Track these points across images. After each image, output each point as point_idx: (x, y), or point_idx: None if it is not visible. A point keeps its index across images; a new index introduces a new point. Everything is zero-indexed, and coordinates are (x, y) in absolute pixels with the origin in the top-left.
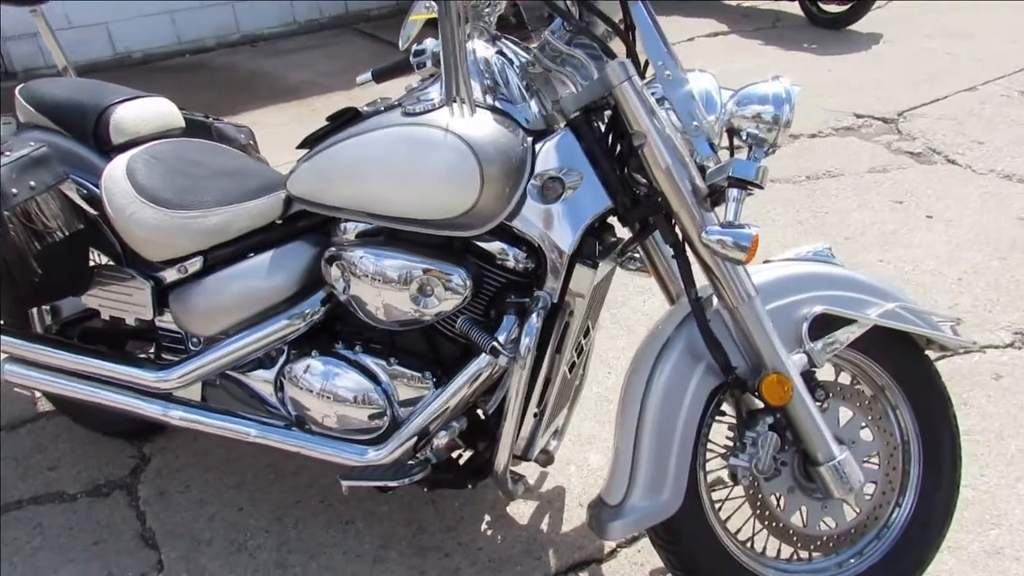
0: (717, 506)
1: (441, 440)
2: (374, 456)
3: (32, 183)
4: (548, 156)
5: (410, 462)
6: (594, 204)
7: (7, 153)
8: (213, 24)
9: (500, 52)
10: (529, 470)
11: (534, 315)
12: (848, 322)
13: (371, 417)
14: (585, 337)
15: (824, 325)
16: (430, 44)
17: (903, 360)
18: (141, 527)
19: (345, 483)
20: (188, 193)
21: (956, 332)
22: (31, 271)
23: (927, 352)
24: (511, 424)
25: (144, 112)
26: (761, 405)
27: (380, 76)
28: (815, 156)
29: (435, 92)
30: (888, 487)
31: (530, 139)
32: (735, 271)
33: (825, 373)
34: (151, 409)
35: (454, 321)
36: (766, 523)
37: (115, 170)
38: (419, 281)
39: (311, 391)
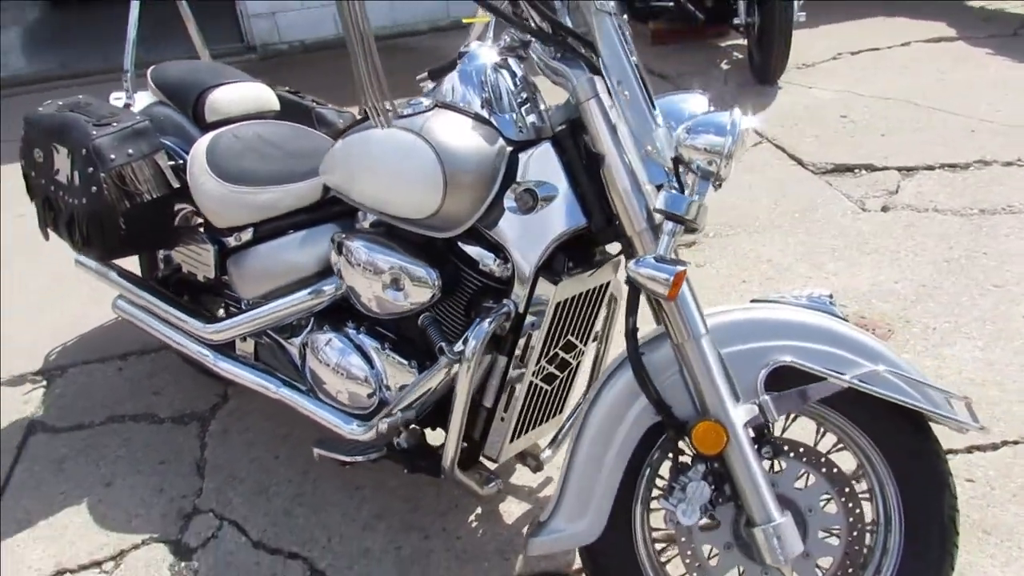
0: (659, 546)
1: (410, 427)
2: (356, 430)
3: (130, 151)
4: (527, 167)
5: (368, 442)
6: (567, 220)
7: (114, 124)
8: (426, 9)
9: (504, 62)
10: (529, 476)
11: (487, 321)
12: (818, 378)
13: (363, 395)
14: (571, 351)
15: (795, 378)
16: (473, 45)
17: (893, 431)
18: (199, 457)
19: (316, 450)
20: (250, 171)
21: (957, 409)
22: (117, 226)
23: (931, 428)
24: (456, 422)
25: (237, 95)
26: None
27: (435, 75)
28: (1002, 188)
29: (429, 97)
30: (856, 565)
31: (509, 149)
32: (683, 306)
33: (807, 432)
34: (204, 356)
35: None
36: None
37: (199, 145)
38: (391, 275)
39: (320, 361)
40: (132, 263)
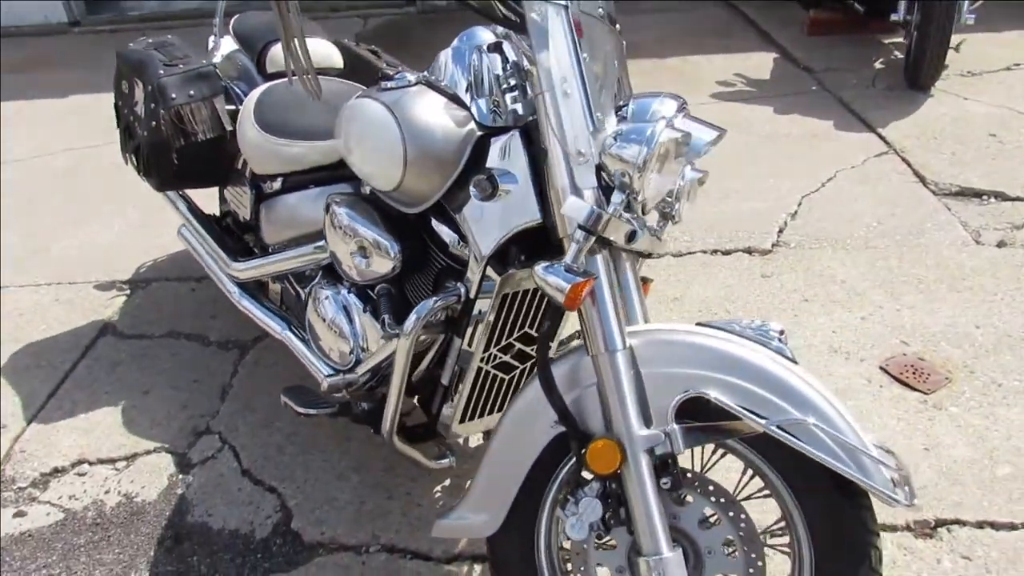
0: (565, 555)
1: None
2: (333, 382)
3: (191, 92)
4: (493, 154)
5: (324, 398)
6: (522, 213)
7: (181, 66)
8: None
9: (498, 45)
10: None
11: (434, 300)
12: (734, 417)
13: (343, 351)
14: (530, 345)
15: (713, 412)
16: None
17: (817, 490)
18: (227, 382)
19: (282, 396)
20: (286, 124)
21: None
22: (171, 160)
23: (866, 497)
24: (392, 393)
25: None
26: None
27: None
28: None
29: (416, 74)
30: None
31: (479, 134)
32: (602, 317)
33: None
34: (230, 291)
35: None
36: None
37: (252, 94)
38: (358, 242)
39: (316, 312)
40: (210, 196)
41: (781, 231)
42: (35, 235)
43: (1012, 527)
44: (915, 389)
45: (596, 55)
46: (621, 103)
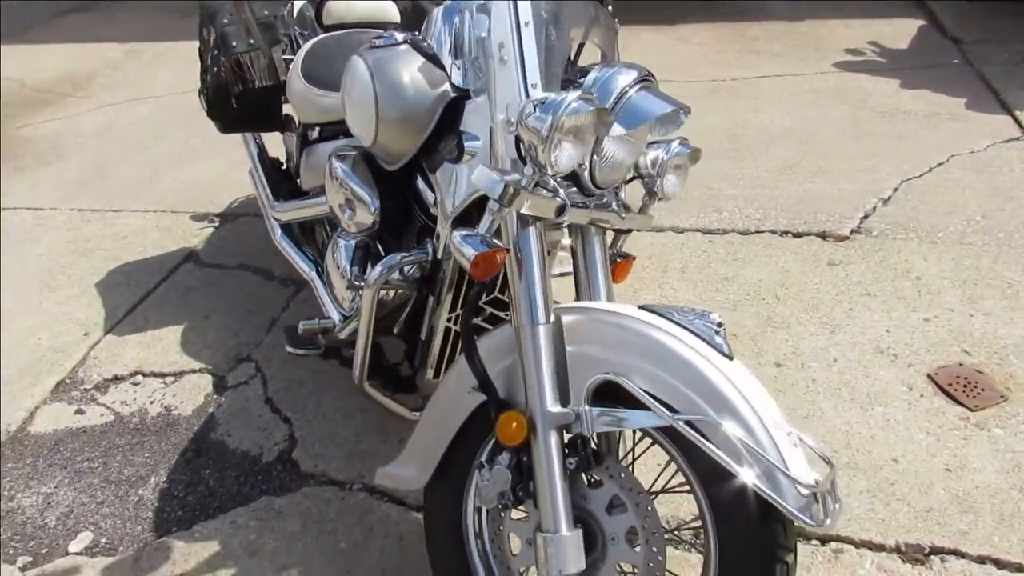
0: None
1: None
2: (338, 325)
3: (251, 41)
4: (466, 116)
5: (311, 340)
6: (487, 181)
7: (245, 16)
8: None
9: (485, 6)
10: None
11: (400, 255)
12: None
13: (347, 297)
14: (504, 310)
15: (629, 400)
16: None
17: (730, 495)
18: (277, 315)
19: (284, 334)
20: (326, 75)
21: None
22: (230, 104)
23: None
24: (359, 341)
25: (354, 5)
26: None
27: None
28: None
29: (406, 32)
30: None
31: (453, 95)
32: (529, 288)
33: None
34: (273, 231)
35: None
36: (497, 555)
37: (305, 46)
38: (344, 195)
39: (332, 257)
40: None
41: (866, 217)
42: (154, 166)
43: (1019, 569)
44: (960, 403)
45: (555, 24)
46: (580, 74)
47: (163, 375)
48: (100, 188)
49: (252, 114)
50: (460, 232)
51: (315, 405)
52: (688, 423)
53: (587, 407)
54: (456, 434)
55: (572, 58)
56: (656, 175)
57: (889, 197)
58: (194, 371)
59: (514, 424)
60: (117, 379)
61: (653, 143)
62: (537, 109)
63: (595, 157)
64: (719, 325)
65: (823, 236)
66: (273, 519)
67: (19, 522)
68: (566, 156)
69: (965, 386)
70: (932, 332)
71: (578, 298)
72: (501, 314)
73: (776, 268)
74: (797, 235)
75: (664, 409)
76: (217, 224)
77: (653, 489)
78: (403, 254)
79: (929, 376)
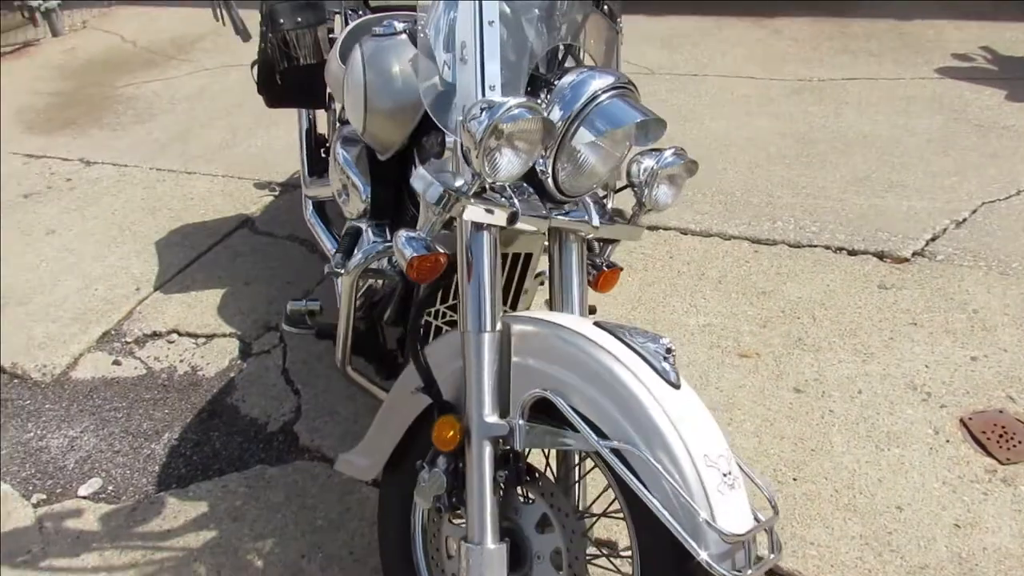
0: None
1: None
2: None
3: (299, 19)
4: (452, 113)
5: (305, 320)
6: (424, 184)
7: None
8: None
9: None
10: None
11: (380, 245)
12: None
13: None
14: None
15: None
16: None
17: (649, 527)
18: (312, 288)
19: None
20: None
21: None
22: (275, 80)
23: None
24: (340, 325)
25: None
26: None
27: None
28: None
29: (406, 23)
30: None
31: (441, 89)
32: (476, 294)
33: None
34: (306, 206)
35: None
36: (434, 557)
37: (347, 27)
38: (341, 181)
39: None
40: None
41: (934, 239)
42: (233, 132)
43: None
44: (989, 454)
45: (530, 24)
46: (561, 76)
47: (196, 336)
48: (180, 150)
49: (296, 90)
50: (404, 232)
51: (325, 381)
52: (615, 451)
53: (520, 421)
54: (406, 432)
55: (560, 59)
56: (645, 184)
57: (964, 219)
58: (224, 335)
59: (450, 430)
60: (155, 335)
61: (648, 151)
62: (482, 112)
63: (558, 164)
64: (668, 351)
65: (880, 256)
66: (261, 488)
67: (43, 461)
68: (506, 164)
69: (1000, 436)
70: (977, 373)
71: (551, 305)
72: None
73: (820, 286)
74: (852, 252)
75: (592, 434)
76: (277, 193)
77: (594, 512)
78: (385, 243)
79: (961, 421)
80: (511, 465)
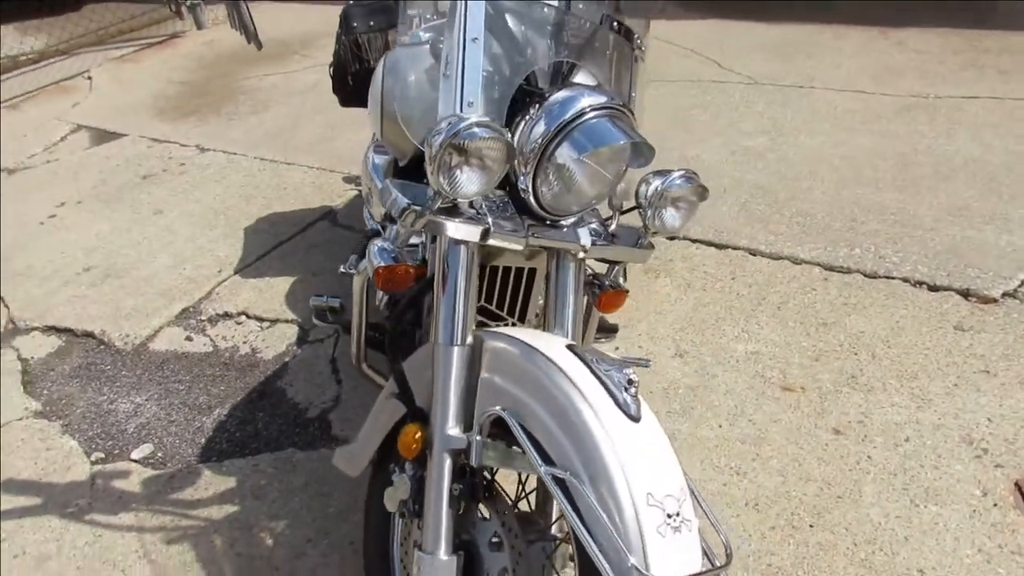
0: None
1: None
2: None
3: (371, 23)
4: None
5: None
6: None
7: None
8: None
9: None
10: None
11: (388, 249)
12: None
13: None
14: (494, 319)
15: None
16: None
17: (589, 564)
18: None
19: None
20: None
21: None
22: (346, 83)
23: None
24: (352, 325)
25: None
26: None
27: None
28: None
29: (432, 32)
30: None
31: None
32: (448, 307)
33: None
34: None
35: None
36: (402, 560)
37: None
38: (366, 185)
39: None
40: None
41: None
42: (335, 126)
43: None
44: None
45: (526, 40)
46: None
47: (261, 320)
48: (284, 141)
49: (366, 92)
50: (378, 242)
51: (351, 379)
52: (557, 480)
53: (478, 437)
54: (388, 435)
55: (565, 75)
56: (649, 205)
57: None
58: (286, 321)
59: (414, 438)
60: (226, 316)
61: (658, 172)
62: (443, 129)
63: (539, 181)
64: (630, 383)
65: (965, 294)
66: (287, 471)
67: (109, 423)
68: (465, 181)
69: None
70: None
71: (545, 323)
72: (489, 322)
73: (888, 321)
74: (933, 288)
75: (537, 458)
76: (360, 189)
77: (550, 537)
78: (393, 248)
79: (1017, 484)
80: (467, 480)
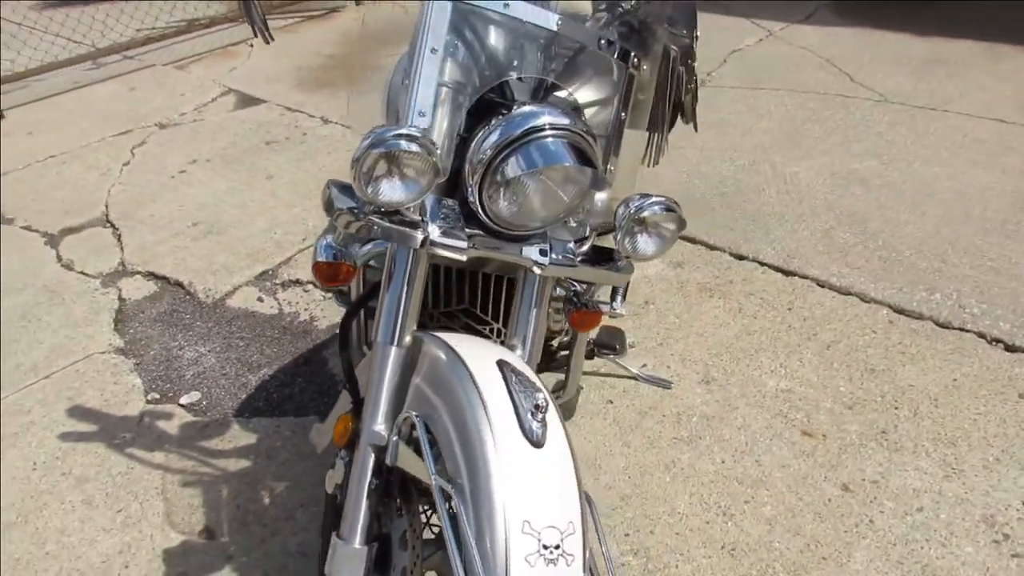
0: None
1: None
2: None
3: None
4: None
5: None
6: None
7: None
8: None
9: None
10: None
11: (379, 242)
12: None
13: None
14: (480, 323)
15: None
16: None
17: None
18: None
19: None
20: None
21: None
22: None
23: None
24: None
25: None
26: None
27: None
28: None
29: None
30: None
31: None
32: (389, 308)
33: None
34: None
35: None
36: None
37: None
38: None
39: None
40: None
41: None
42: None
43: None
44: None
45: (500, 51)
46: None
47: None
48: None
49: None
50: (324, 238)
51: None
52: (445, 493)
53: (395, 438)
54: None
55: (545, 91)
56: (619, 228)
57: None
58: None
59: (346, 427)
60: (297, 283)
61: (639, 195)
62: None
63: (486, 193)
64: (536, 408)
65: None
66: (301, 436)
67: (174, 368)
68: (387, 189)
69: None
70: None
71: (508, 335)
72: (476, 326)
73: (945, 378)
74: (1010, 348)
75: (432, 468)
76: None
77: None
78: (380, 242)
79: None
80: (383, 477)
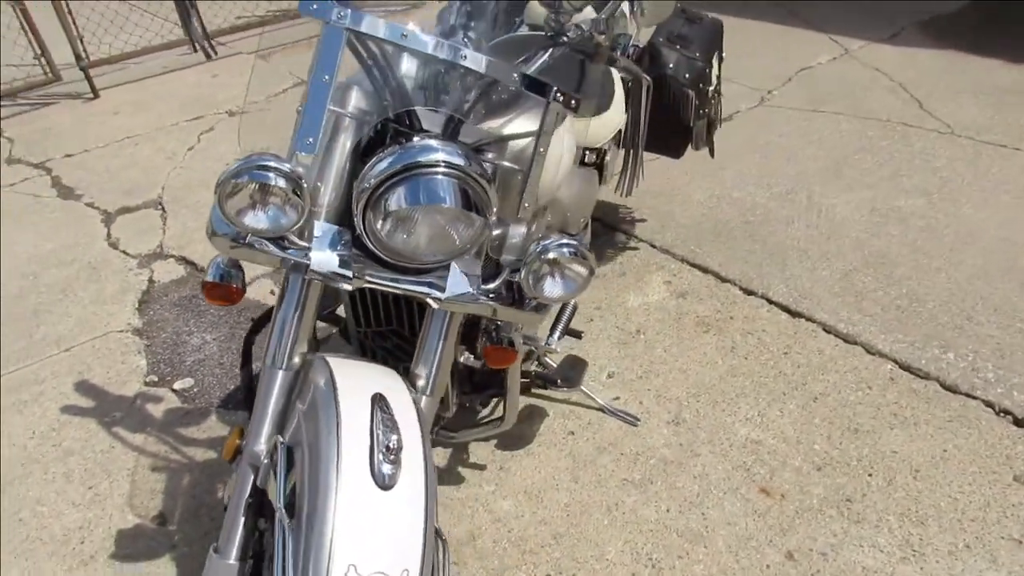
0: None
1: None
2: None
3: None
4: None
5: None
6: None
7: None
8: None
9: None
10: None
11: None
12: None
13: None
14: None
15: None
16: None
17: None
18: None
19: None
20: None
21: None
22: None
23: None
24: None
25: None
26: None
27: None
28: None
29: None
30: None
31: None
32: (277, 331)
33: None
34: None
35: None
36: None
37: None
38: None
39: None
40: None
41: None
42: None
43: None
44: None
45: (413, 82)
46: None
47: None
48: None
49: None
50: (219, 257)
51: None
52: (281, 524)
53: (265, 461)
54: None
55: (455, 125)
56: (524, 267)
57: None
58: None
59: (233, 442)
60: None
61: (554, 236)
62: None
63: (368, 222)
64: (388, 450)
65: None
66: None
67: (177, 353)
68: (249, 217)
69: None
70: None
71: (413, 365)
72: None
73: (933, 448)
74: (1018, 422)
75: (281, 496)
76: None
77: None
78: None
79: None
80: (258, 497)
